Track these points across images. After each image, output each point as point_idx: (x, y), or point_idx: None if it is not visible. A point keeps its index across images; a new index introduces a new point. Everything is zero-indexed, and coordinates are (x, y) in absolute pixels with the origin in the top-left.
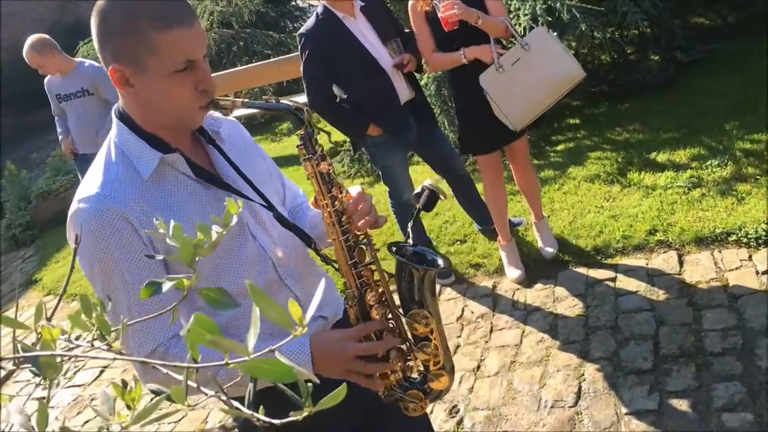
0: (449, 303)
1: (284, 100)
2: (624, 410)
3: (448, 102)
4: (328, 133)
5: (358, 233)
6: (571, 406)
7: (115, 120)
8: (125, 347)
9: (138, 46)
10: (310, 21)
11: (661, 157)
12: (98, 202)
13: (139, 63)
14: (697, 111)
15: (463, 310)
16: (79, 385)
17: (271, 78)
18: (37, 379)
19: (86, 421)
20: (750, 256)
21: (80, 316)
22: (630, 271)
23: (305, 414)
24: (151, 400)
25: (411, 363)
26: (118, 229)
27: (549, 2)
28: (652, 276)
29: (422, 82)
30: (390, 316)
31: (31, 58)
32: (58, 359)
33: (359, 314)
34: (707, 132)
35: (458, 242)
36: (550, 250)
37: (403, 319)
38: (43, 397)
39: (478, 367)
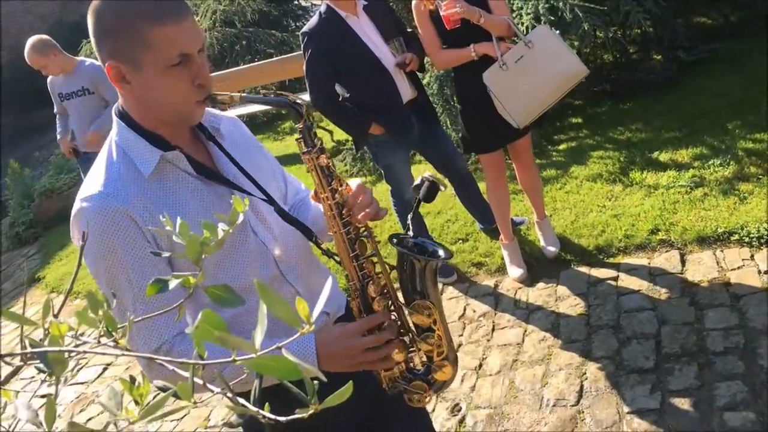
0: (451, 302)
1: (282, 94)
2: (626, 409)
3: (450, 101)
4: (331, 132)
5: (359, 226)
6: (573, 405)
7: (115, 119)
8: (131, 344)
9: (132, 43)
10: (313, 20)
11: (664, 157)
12: (101, 200)
13: (134, 59)
14: (699, 110)
15: (465, 309)
16: (82, 383)
17: (273, 77)
18: (41, 377)
19: (89, 419)
20: (752, 256)
21: (87, 313)
22: (632, 271)
23: (311, 411)
24: (154, 397)
25: (414, 354)
26: (122, 227)
27: (552, 1)
28: (654, 275)
29: (424, 81)
30: (392, 308)
31: (33, 59)
32: (66, 355)
33: (362, 306)
34: (709, 131)
35: (460, 241)
36: (552, 249)
37: (406, 311)
38: (49, 394)
39: (480, 365)
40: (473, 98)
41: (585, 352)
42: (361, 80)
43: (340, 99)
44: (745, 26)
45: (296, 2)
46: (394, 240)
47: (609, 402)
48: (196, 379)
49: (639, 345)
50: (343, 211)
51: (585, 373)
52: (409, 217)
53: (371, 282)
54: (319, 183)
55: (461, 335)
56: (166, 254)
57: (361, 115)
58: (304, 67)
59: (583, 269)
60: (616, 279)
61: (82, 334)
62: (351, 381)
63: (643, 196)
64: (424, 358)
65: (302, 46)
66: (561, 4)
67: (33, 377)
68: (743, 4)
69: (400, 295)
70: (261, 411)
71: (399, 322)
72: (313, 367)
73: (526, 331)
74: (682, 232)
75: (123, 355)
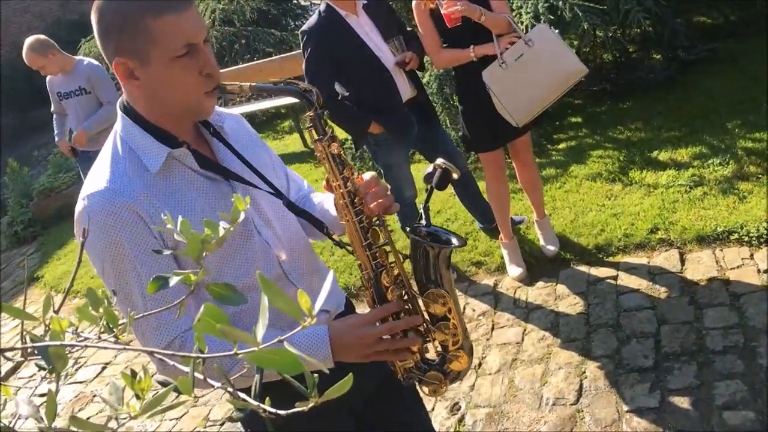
0: None
1: (292, 82)
2: (625, 408)
3: (449, 100)
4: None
5: (371, 215)
6: (572, 404)
7: (120, 114)
8: (142, 340)
9: (138, 37)
10: (313, 18)
11: (663, 156)
12: (108, 196)
13: (141, 54)
14: (699, 110)
15: (464, 308)
16: (81, 382)
17: (272, 75)
18: (41, 375)
19: (88, 418)
20: (751, 255)
21: (88, 309)
22: (631, 270)
23: (311, 405)
24: (154, 395)
25: (429, 344)
26: (129, 223)
27: (551, 0)
28: (653, 274)
29: (424, 80)
30: (406, 297)
31: (32, 59)
32: (67, 350)
33: (375, 296)
34: (709, 131)
35: None
36: (551, 248)
37: (420, 300)
38: (50, 391)
39: (480, 364)
40: (473, 97)
41: (584, 351)
42: (361, 79)
43: (339, 98)
44: (745, 26)
45: (295, 1)
46: (407, 229)
47: (608, 401)
48: (197, 374)
49: (638, 344)
50: (355, 200)
51: (584, 372)
52: (422, 205)
53: (384, 271)
54: (331, 171)
55: None
56: (167, 252)
57: (360, 114)
58: (304, 66)
59: (583, 268)
60: (615, 278)
61: (81, 332)
62: (350, 374)
63: (642, 195)
64: (439, 348)
65: (302, 44)
66: (560, 3)
67: (32, 376)
68: (743, 4)
69: (413, 284)
70: (262, 405)
71: (413, 312)
72: (328, 359)
73: (525, 330)
74: (682, 231)
75: (124, 350)
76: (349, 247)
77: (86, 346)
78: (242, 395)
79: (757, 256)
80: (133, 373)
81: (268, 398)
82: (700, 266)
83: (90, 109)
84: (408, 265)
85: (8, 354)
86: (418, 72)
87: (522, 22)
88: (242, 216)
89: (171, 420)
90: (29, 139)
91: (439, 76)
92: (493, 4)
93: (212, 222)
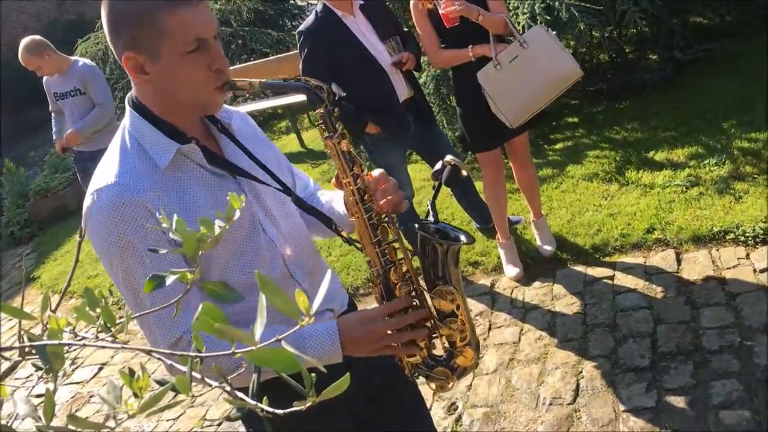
0: None
1: (303, 79)
2: (622, 407)
3: (446, 100)
4: None
5: (381, 212)
6: (569, 404)
7: (128, 108)
8: (149, 337)
9: (148, 31)
10: (310, 19)
11: (660, 156)
12: (117, 191)
13: (151, 48)
14: (695, 110)
15: None
16: (77, 383)
17: (269, 76)
18: (39, 375)
19: (85, 418)
20: (747, 255)
21: (85, 309)
22: (628, 269)
23: (309, 404)
24: (152, 394)
25: (436, 340)
26: (138, 218)
27: (548, 1)
28: (650, 274)
29: (421, 81)
30: (415, 293)
31: (27, 60)
32: (65, 350)
33: (384, 292)
34: (705, 131)
35: None
36: (548, 248)
37: (428, 296)
38: (48, 390)
39: (477, 364)
40: (470, 97)
41: (581, 351)
42: (358, 79)
43: (336, 98)
44: (742, 26)
45: (292, 1)
46: (416, 225)
47: (605, 400)
48: (195, 374)
49: (635, 344)
50: (365, 197)
51: (581, 372)
52: (429, 202)
53: (393, 268)
54: (341, 168)
55: None
56: (163, 251)
57: (357, 114)
58: (301, 66)
59: (579, 268)
60: (612, 278)
61: (78, 333)
62: (348, 373)
63: (639, 195)
64: (446, 344)
65: (299, 44)
66: (557, 3)
67: (29, 376)
68: (740, 4)
69: (422, 281)
70: (259, 404)
71: (421, 308)
72: (338, 354)
73: (522, 330)
74: (678, 231)
75: (122, 349)
76: (358, 244)
77: (84, 345)
78: (240, 394)
79: (753, 256)
80: (131, 372)
81: (265, 398)
82: (697, 266)
83: (85, 110)
84: (416, 262)
85: (5, 354)
86: (414, 72)
87: (519, 23)
88: (237, 214)
89: (168, 420)
90: (26, 140)
91: (436, 76)
92: (491, 5)
93: (207, 220)
